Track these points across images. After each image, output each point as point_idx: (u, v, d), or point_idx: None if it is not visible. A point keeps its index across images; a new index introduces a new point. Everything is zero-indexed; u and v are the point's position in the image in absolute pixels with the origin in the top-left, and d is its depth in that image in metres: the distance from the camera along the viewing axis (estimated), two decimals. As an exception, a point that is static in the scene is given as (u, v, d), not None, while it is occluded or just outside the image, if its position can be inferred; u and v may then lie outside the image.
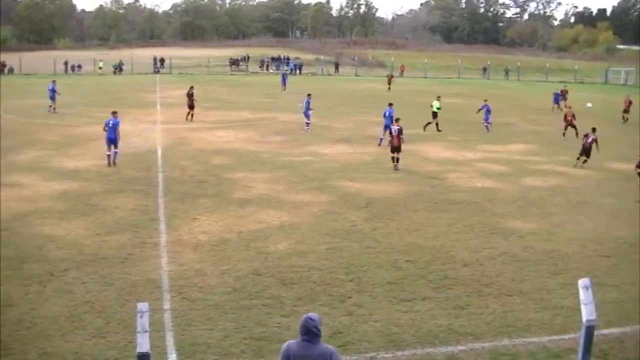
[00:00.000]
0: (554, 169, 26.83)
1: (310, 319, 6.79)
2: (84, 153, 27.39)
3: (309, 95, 36.18)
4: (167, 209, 19.08)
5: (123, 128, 27.47)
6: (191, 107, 38.07)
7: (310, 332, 6.75)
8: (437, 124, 36.17)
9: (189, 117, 37.74)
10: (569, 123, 34.98)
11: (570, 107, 36.28)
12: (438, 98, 37.38)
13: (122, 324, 11.22)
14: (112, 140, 24.99)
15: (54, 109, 40.30)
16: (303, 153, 28.89)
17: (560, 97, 50.71)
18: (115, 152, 25.19)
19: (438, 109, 36.67)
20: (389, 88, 62.08)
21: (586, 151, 26.82)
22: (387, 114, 30.11)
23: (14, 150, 27.50)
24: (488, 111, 37.55)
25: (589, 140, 26.79)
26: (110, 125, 25.03)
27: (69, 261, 14.43)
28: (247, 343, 10.75)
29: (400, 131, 25.72)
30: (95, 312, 11.83)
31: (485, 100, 38.53)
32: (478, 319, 11.91)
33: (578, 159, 27.07)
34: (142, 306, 7.30)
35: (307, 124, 35.43)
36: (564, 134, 34.82)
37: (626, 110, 43.26)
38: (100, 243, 15.82)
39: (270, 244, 16.04)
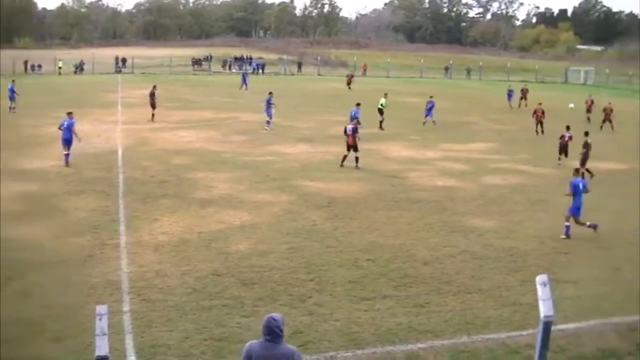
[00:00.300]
0: (515, 168, 27.19)
1: (273, 319, 6.81)
2: (44, 154, 27.00)
3: (270, 93, 36.20)
4: (127, 209, 18.94)
5: (84, 129, 27.21)
6: (153, 106, 37.80)
7: (273, 332, 6.77)
8: (380, 122, 36.50)
9: (152, 117, 37.45)
10: (539, 120, 35.49)
11: (540, 104, 36.77)
12: (385, 95, 37.83)
13: (81, 327, 11.09)
14: (68, 141, 24.83)
15: (14, 109, 39.73)
16: (265, 153, 28.87)
17: (513, 94, 51.41)
18: (68, 154, 24.96)
19: (382, 105, 37.01)
20: (349, 88, 62.28)
21: (564, 150, 27.37)
22: (353, 114, 30.13)
23: (-29, 151, 27.01)
24: (431, 108, 38.48)
25: (565, 139, 27.37)
26: (65, 125, 24.88)
27: (28, 264, 14.24)
28: (208, 344, 10.74)
29: (355, 130, 25.77)
30: (54, 315, 11.70)
31: (430, 97, 39.30)
32: (437, 316, 12.04)
33: (559, 158, 27.50)
34: (101, 309, 7.22)
35: (268, 122, 35.44)
36: (536, 131, 35.46)
37: (589, 110, 43.82)
38: (60, 245, 15.66)
39: (231, 244, 16.02)
